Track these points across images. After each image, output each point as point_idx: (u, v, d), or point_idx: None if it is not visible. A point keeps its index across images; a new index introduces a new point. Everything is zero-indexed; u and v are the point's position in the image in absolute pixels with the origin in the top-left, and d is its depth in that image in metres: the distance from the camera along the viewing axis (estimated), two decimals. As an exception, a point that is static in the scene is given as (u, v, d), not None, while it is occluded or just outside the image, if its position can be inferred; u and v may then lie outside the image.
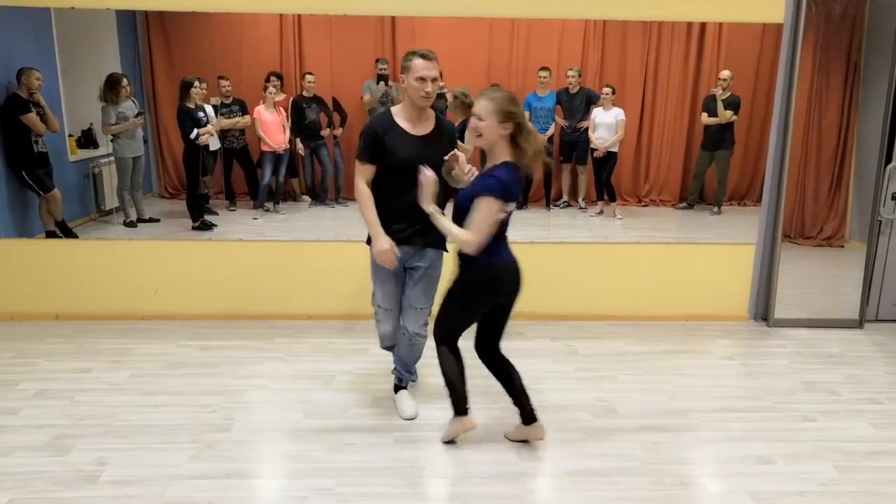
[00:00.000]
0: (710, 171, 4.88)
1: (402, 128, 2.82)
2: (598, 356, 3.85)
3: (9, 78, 4.15)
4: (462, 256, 2.65)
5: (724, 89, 4.61)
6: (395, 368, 3.24)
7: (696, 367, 3.74)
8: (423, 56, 2.72)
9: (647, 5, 4.13)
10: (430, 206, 2.67)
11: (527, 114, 4.80)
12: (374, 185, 2.86)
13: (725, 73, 4.59)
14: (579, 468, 2.70)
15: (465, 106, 4.34)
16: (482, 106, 2.52)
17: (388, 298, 3.03)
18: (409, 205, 2.76)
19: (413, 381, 3.32)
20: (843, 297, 4.44)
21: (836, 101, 4.47)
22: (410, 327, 3.01)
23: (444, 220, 2.63)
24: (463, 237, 2.54)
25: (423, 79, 2.71)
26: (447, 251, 2.98)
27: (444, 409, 3.14)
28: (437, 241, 2.90)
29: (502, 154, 2.56)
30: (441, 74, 4.66)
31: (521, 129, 2.54)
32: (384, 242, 2.80)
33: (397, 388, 3.24)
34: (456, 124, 4.44)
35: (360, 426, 3.00)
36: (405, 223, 2.85)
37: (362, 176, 2.84)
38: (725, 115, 4.64)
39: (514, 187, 2.54)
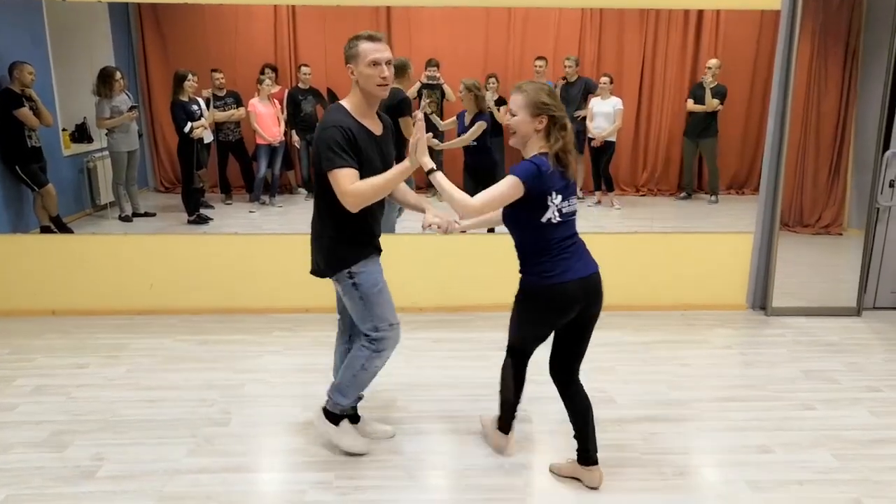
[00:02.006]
0: (702, 161, 4.88)
1: (365, 126, 2.44)
2: (597, 347, 3.77)
3: (1, 73, 4.11)
4: (523, 266, 2.42)
5: (712, 76, 4.60)
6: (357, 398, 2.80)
7: (695, 356, 3.73)
8: (371, 38, 2.35)
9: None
10: (428, 162, 2.33)
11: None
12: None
13: (713, 62, 4.58)
14: (578, 459, 2.70)
15: (479, 98, 4.33)
16: (514, 100, 2.31)
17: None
18: (379, 213, 2.56)
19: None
20: (842, 284, 4.44)
21: (834, 88, 4.45)
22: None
23: (442, 179, 2.31)
24: (463, 201, 2.26)
25: (376, 63, 2.33)
26: None
27: (441, 400, 3.14)
28: None
29: (537, 147, 2.33)
30: (438, 66, 4.70)
31: (556, 123, 2.29)
32: (429, 161, 2.33)
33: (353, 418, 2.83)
34: (469, 118, 4.43)
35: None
36: (377, 234, 2.59)
37: (348, 181, 2.31)
38: (713, 103, 4.63)
39: (551, 177, 2.26)
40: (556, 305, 2.37)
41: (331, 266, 2.52)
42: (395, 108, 3.74)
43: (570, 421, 2.52)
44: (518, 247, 2.43)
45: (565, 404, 2.51)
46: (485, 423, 2.83)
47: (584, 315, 2.42)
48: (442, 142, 4.58)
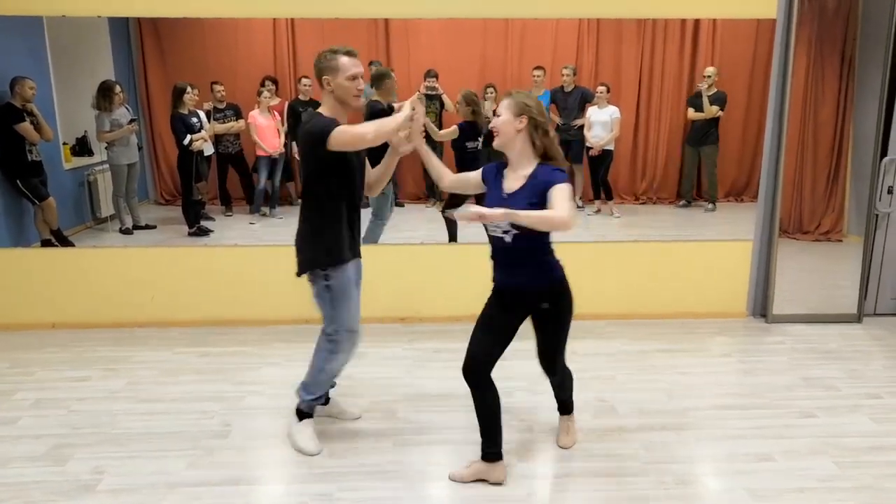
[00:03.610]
0: (701, 169, 4.89)
1: None
2: (597, 356, 3.84)
3: (2, 87, 4.14)
4: (539, 268, 2.49)
5: (709, 85, 4.63)
6: (320, 395, 2.91)
7: (695, 364, 3.73)
8: (349, 53, 2.55)
9: (641, 3, 4.12)
10: (423, 146, 2.55)
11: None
12: (325, 198, 2.61)
13: (710, 70, 4.61)
14: (579, 469, 2.69)
15: (476, 114, 4.37)
16: (501, 104, 2.43)
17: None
18: (356, 219, 2.74)
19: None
20: (842, 291, 4.44)
21: (831, 95, 4.46)
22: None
23: (525, 216, 2.25)
24: (561, 218, 2.23)
25: (354, 77, 2.54)
26: None
27: (442, 411, 3.14)
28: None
29: (526, 156, 2.40)
30: (437, 76, 4.73)
31: (538, 127, 2.37)
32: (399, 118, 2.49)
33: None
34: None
35: (358, 430, 2.99)
36: (356, 239, 2.75)
37: (343, 129, 2.47)
38: (711, 110, 4.65)
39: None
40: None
41: (308, 264, 2.69)
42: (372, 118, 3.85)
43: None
44: (526, 251, 2.44)
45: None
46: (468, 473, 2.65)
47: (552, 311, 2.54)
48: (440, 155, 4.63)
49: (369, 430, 3.00)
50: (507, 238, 2.40)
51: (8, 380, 3.53)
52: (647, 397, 3.32)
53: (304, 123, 2.61)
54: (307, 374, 2.85)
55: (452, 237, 4.48)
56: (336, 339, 2.73)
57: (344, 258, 2.66)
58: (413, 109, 2.49)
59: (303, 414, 2.89)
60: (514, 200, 2.36)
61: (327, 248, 2.65)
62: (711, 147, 4.79)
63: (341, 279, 2.66)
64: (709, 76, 4.62)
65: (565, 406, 2.88)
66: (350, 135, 2.47)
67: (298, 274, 2.73)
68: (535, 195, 2.33)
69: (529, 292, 2.49)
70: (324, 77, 2.56)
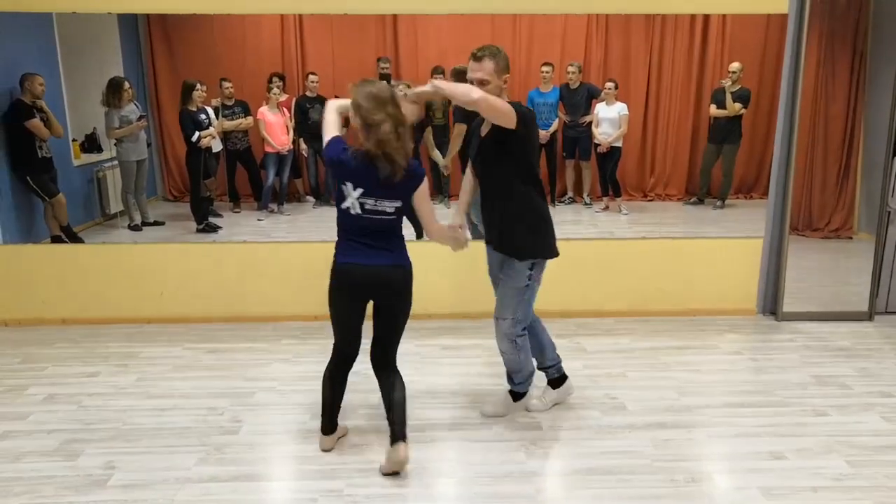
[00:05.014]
0: (716, 165, 4.85)
1: None
2: (606, 353, 3.83)
3: (12, 84, 4.15)
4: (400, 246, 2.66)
5: (733, 81, 4.57)
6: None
7: (705, 362, 3.72)
8: None
9: (650, -1, 4.10)
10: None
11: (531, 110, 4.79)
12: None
13: (735, 66, 4.54)
14: (589, 466, 2.69)
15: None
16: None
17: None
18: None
19: None
20: (853, 289, 4.41)
21: (842, 91, 4.43)
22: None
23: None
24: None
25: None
26: None
27: (451, 407, 3.14)
28: None
29: None
30: (444, 73, 4.71)
31: (369, 126, 2.45)
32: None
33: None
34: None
35: (368, 427, 2.99)
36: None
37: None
38: (734, 107, 4.60)
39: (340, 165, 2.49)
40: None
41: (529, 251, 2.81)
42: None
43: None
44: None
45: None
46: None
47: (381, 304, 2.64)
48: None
49: (379, 427, 2.99)
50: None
51: (20, 375, 3.55)
52: (656, 394, 3.30)
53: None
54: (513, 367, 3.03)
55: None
56: (515, 331, 2.92)
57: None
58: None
59: (556, 380, 3.16)
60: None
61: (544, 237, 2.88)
62: (733, 145, 4.72)
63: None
64: (733, 72, 4.55)
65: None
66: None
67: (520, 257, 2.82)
68: None
69: None
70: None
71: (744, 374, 3.58)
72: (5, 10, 3.95)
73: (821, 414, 3.11)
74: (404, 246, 2.62)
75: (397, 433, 2.57)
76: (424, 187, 2.55)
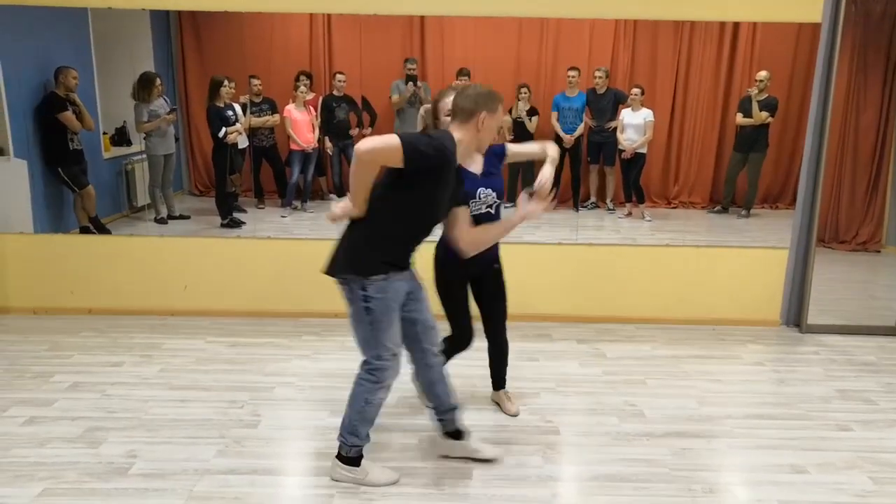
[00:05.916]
0: (741, 174, 4.79)
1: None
2: (626, 359, 3.81)
3: (47, 77, 4.24)
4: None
5: (760, 90, 4.51)
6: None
7: (727, 372, 3.68)
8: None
9: (681, 5, 4.07)
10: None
11: (554, 114, 4.78)
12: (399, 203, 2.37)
13: (762, 74, 4.48)
14: (606, 473, 2.67)
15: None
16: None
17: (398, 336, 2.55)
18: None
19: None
20: (880, 303, 4.34)
21: (874, 101, 4.36)
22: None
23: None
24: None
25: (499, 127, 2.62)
26: None
27: (467, 410, 3.13)
28: None
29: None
30: (469, 75, 4.72)
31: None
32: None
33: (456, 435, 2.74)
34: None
35: (385, 425, 3.00)
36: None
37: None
38: (760, 116, 4.54)
39: None
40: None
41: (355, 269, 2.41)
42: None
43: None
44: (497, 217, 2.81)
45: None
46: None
47: None
48: None
49: (395, 427, 3.01)
50: (493, 210, 2.76)
51: (47, 362, 3.62)
52: (676, 403, 3.27)
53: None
54: (349, 417, 2.53)
55: None
56: (378, 365, 2.52)
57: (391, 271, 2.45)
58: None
59: (353, 459, 2.57)
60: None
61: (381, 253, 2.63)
62: (759, 154, 4.64)
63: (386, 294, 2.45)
64: (760, 80, 4.49)
65: (503, 380, 3.19)
66: None
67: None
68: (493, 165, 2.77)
69: (491, 254, 2.88)
70: (480, 112, 2.34)
71: (766, 386, 3.53)
72: (42, 5, 4.03)
73: (844, 429, 3.06)
74: None
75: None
76: None
